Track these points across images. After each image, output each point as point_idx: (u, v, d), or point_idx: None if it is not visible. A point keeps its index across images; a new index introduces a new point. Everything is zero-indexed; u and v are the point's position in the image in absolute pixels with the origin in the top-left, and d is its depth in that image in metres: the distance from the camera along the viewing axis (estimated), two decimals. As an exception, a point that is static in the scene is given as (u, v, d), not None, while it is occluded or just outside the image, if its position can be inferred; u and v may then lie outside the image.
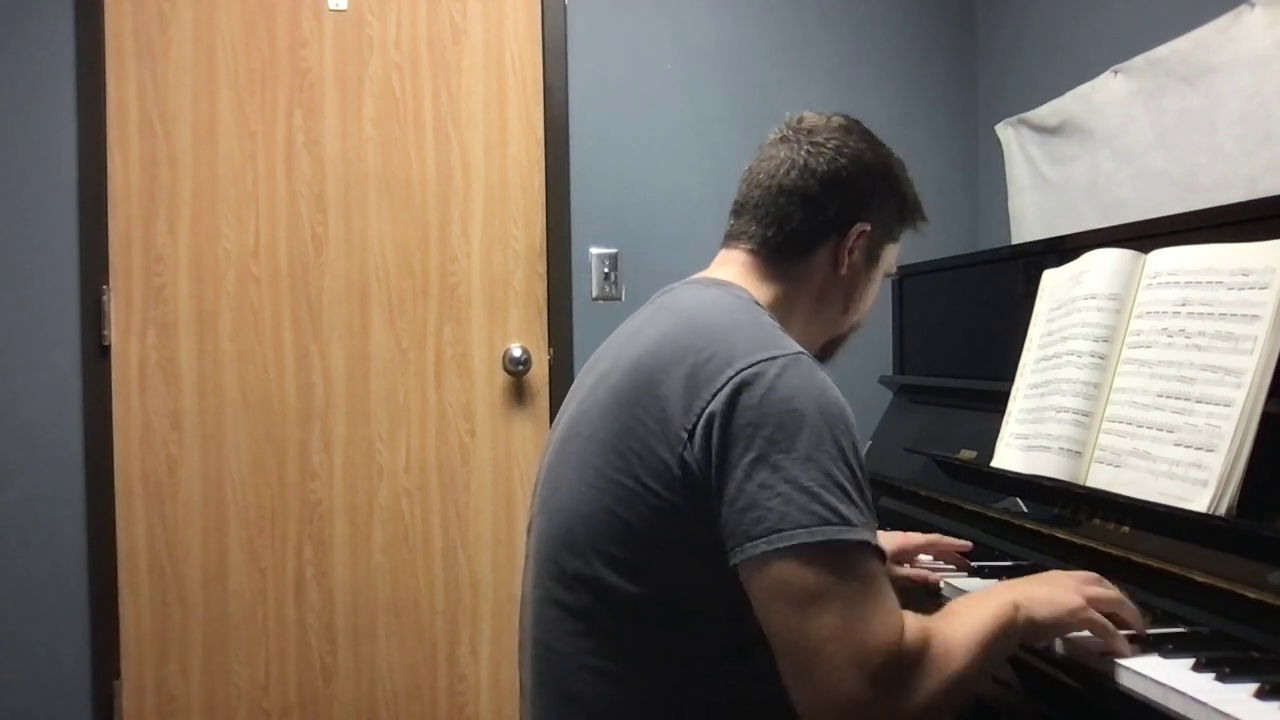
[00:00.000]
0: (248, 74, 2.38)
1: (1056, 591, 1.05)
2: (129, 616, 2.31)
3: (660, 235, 2.57)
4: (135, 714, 2.31)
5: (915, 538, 1.46)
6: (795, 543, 0.89)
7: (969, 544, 1.45)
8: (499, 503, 2.49)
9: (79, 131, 2.28)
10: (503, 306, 2.49)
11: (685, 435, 0.96)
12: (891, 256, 1.23)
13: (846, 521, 0.91)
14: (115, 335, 2.32)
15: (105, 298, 2.30)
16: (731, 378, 0.95)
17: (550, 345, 2.51)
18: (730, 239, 1.20)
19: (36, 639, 2.25)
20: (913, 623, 0.93)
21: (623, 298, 2.54)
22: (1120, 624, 1.05)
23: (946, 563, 1.46)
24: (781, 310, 1.14)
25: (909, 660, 0.91)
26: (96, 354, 2.30)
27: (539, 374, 2.50)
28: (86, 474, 2.28)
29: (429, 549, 2.46)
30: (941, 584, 1.37)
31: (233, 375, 2.37)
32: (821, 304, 1.18)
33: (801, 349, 1.00)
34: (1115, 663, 1.01)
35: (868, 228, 1.16)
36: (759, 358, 0.96)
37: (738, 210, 1.20)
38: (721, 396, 0.95)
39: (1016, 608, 1.00)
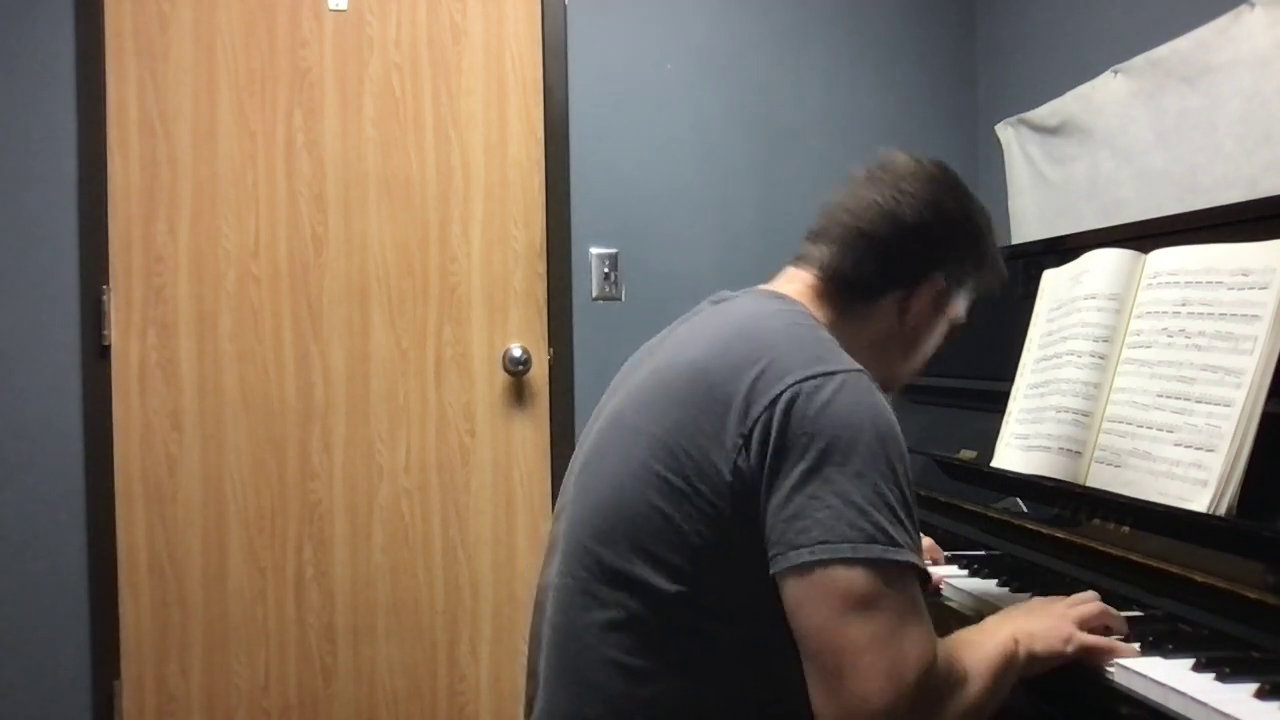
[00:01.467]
0: (248, 74, 2.38)
1: (1049, 622, 1.06)
2: (129, 616, 2.31)
3: (660, 235, 2.57)
4: (135, 714, 2.31)
5: None
6: (840, 556, 0.90)
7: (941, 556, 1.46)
8: (499, 503, 2.49)
9: (79, 131, 2.28)
10: (503, 306, 2.49)
11: (740, 442, 0.96)
12: (960, 309, 1.22)
13: (893, 542, 0.91)
14: (115, 335, 2.32)
15: (105, 298, 2.30)
16: (790, 386, 0.95)
17: (550, 345, 2.51)
18: (800, 260, 1.18)
19: (36, 639, 2.25)
20: (940, 647, 0.94)
21: (623, 298, 2.54)
22: (1108, 634, 1.07)
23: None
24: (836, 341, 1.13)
25: (938, 681, 0.92)
26: (96, 354, 2.30)
27: (539, 374, 2.50)
28: (86, 474, 2.28)
29: (429, 549, 2.46)
30: (943, 586, 1.37)
31: (233, 375, 2.37)
32: (880, 350, 1.16)
33: (860, 366, 1.00)
34: (1116, 662, 1.01)
35: (942, 284, 1.15)
36: (818, 370, 0.96)
37: (813, 237, 1.18)
38: (778, 406, 0.95)
39: (1016, 643, 1.01)
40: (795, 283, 1.16)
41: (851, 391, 0.96)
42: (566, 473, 1.17)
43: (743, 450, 0.95)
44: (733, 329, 1.05)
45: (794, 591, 0.93)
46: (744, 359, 0.99)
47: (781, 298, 1.12)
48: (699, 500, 0.97)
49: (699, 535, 0.97)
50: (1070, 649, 1.04)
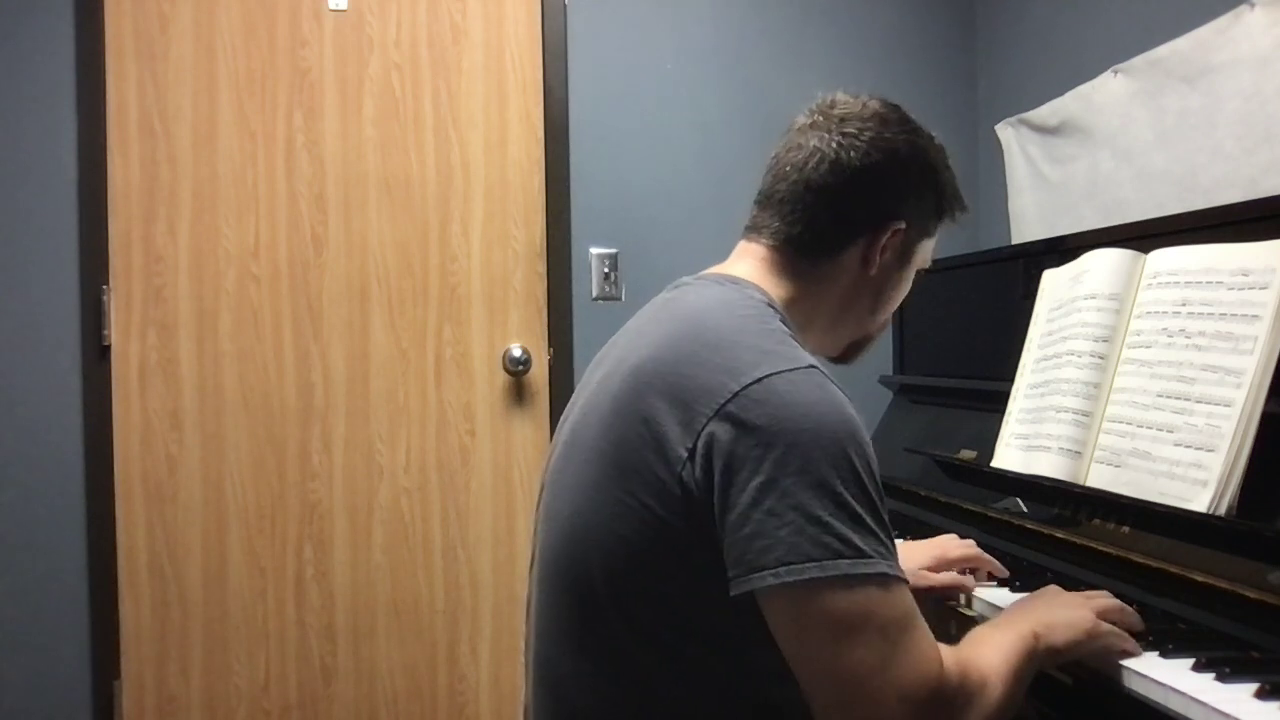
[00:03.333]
0: (248, 74, 2.38)
1: (1069, 613, 1.04)
2: (129, 616, 2.31)
3: (660, 235, 2.57)
4: (135, 714, 2.31)
5: (953, 550, 1.36)
6: (806, 577, 0.84)
7: (1005, 571, 1.36)
8: (499, 503, 2.49)
9: (79, 131, 2.28)
10: (503, 306, 2.49)
11: (685, 454, 0.90)
12: (926, 251, 1.15)
13: (861, 554, 0.85)
14: (115, 335, 2.32)
15: (105, 298, 2.30)
16: (736, 393, 0.89)
17: (550, 345, 2.51)
18: (751, 231, 1.12)
19: (36, 639, 2.25)
20: (948, 653, 0.90)
21: (623, 298, 2.54)
22: (1125, 629, 1.05)
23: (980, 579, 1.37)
24: (802, 311, 1.07)
25: (951, 691, 0.87)
26: (96, 354, 2.29)
27: (539, 374, 2.50)
28: (86, 474, 2.28)
29: (429, 549, 2.46)
30: (971, 596, 1.31)
31: (233, 375, 2.37)
32: (848, 306, 1.10)
33: (813, 361, 0.94)
34: (1116, 663, 1.01)
35: (902, 226, 1.07)
36: (765, 371, 0.90)
37: (762, 202, 1.12)
38: (724, 414, 0.89)
39: (1037, 637, 0.98)
40: (748, 259, 1.10)
41: (802, 389, 0.89)
42: (539, 490, 1.13)
43: (688, 464, 0.90)
44: (676, 328, 0.99)
45: (772, 617, 0.88)
46: (684, 361, 0.93)
47: (736, 282, 1.05)
48: (648, 515, 0.92)
49: (652, 551, 0.93)
50: (1092, 639, 1.02)
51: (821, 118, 1.09)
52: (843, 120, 1.07)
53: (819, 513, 0.85)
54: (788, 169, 1.09)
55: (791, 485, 0.86)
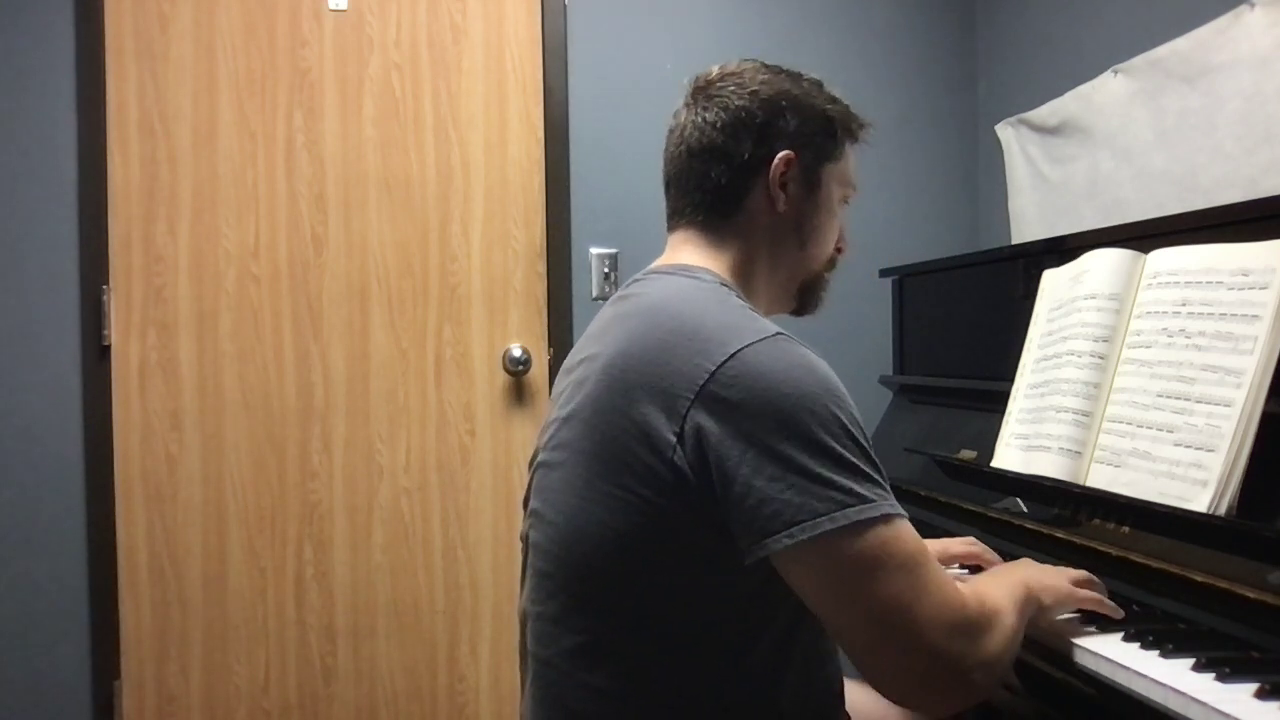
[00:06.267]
0: (248, 74, 2.38)
1: (1051, 578, 1.12)
2: (129, 616, 2.32)
3: (660, 235, 2.54)
4: (135, 714, 2.32)
5: (955, 546, 1.40)
6: (819, 532, 0.88)
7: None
8: (499, 503, 2.49)
9: (79, 131, 2.28)
10: (503, 306, 2.49)
11: (674, 439, 0.93)
12: (838, 176, 1.17)
13: (864, 499, 0.90)
14: (115, 335, 2.32)
15: (105, 298, 2.30)
16: (712, 373, 0.93)
17: (550, 345, 2.51)
18: (671, 220, 1.18)
19: (36, 639, 2.25)
20: (961, 585, 0.95)
21: (623, 298, 2.54)
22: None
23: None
24: (744, 273, 1.12)
25: (975, 613, 0.93)
26: (96, 354, 2.30)
27: (539, 374, 2.50)
28: (86, 474, 2.28)
29: (429, 549, 2.46)
30: None
31: (233, 375, 2.37)
32: (777, 249, 1.14)
33: (778, 328, 0.98)
34: (1116, 663, 1.01)
35: (790, 155, 1.11)
36: (735, 347, 0.94)
37: (667, 190, 1.19)
38: (706, 395, 0.92)
39: (1029, 589, 1.05)
40: (682, 247, 1.15)
41: (775, 359, 0.93)
42: (525, 494, 1.15)
43: (678, 448, 0.93)
44: (642, 322, 1.02)
45: (795, 577, 0.92)
46: (658, 351, 0.97)
47: (684, 268, 1.10)
48: (643, 505, 0.94)
49: (649, 541, 0.95)
50: (1071, 601, 1.11)
51: (690, 97, 1.18)
52: (705, 88, 1.16)
53: (817, 469, 0.90)
54: (673, 149, 1.18)
55: (786, 450, 0.90)
